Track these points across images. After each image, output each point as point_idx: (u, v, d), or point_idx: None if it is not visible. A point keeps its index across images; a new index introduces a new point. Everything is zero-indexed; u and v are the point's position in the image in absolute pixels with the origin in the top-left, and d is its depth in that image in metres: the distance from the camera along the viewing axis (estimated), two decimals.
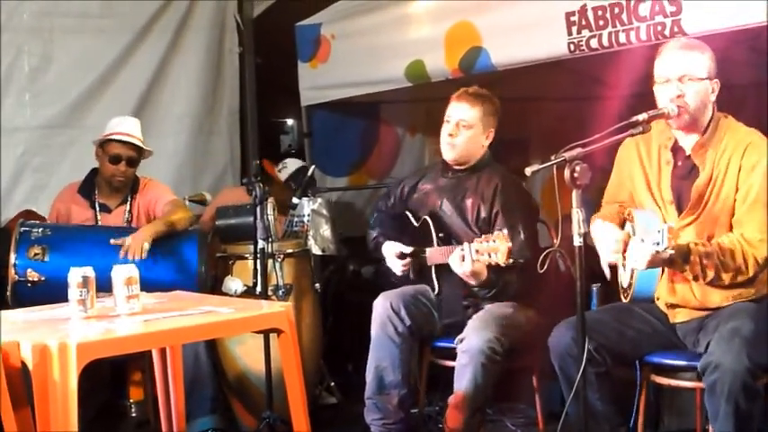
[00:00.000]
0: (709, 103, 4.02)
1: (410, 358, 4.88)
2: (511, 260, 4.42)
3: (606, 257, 4.09)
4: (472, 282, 4.61)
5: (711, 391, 3.76)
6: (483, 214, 4.82)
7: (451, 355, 4.65)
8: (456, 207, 4.92)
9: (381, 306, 4.86)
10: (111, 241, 5.03)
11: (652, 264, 3.77)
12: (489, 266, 4.54)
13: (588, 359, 3.75)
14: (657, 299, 4.18)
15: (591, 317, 3.88)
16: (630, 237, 3.93)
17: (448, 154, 4.95)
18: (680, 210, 4.07)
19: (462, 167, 4.98)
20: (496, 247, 4.33)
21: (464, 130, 4.88)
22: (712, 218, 3.99)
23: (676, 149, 4.12)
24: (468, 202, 4.89)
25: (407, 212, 5.08)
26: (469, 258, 4.46)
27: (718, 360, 3.74)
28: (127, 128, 5.54)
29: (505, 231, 4.41)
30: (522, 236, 4.73)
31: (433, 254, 4.81)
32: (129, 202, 5.56)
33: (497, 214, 4.79)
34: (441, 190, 5.04)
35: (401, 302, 4.82)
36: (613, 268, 4.14)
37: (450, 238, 4.83)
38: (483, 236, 4.49)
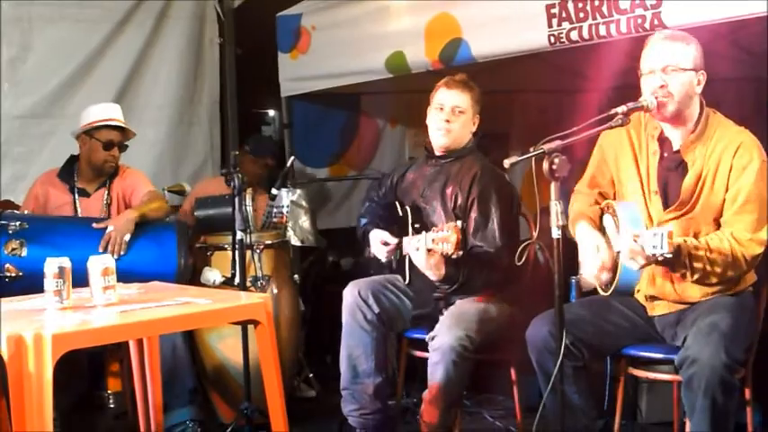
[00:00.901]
0: (695, 95, 4.00)
1: (384, 347, 4.86)
2: (460, 252, 4.42)
3: (590, 274, 4.09)
4: (432, 277, 4.60)
5: (688, 385, 3.76)
6: (460, 201, 4.81)
7: (427, 346, 4.64)
8: (438, 194, 4.91)
9: (350, 294, 4.86)
10: (94, 225, 5.05)
11: (647, 265, 3.78)
12: (448, 261, 4.54)
13: (565, 354, 3.76)
14: (638, 291, 4.18)
15: (568, 311, 3.87)
16: (617, 253, 3.92)
17: (442, 140, 4.91)
18: (665, 201, 4.06)
19: (447, 155, 4.96)
20: (447, 237, 4.31)
21: (460, 115, 4.87)
22: (699, 215, 3.99)
23: (663, 140, 4.11)
24: (449, 189, 4.88)
25: (396, 202, 5.06)
26: (423, 249, 4.46)
27: (695, 355, 3.74)
28: (114, 113, 5.58)
29: (459, 223, 4.39)
30: (494, 224, 4.72)
31: (406, 243, 4.81)
32: (108, 187, 5.57)
33: (473, 202, 4.78)
34: (425, 178, 5.03)
35: (369, 290, 4.82)
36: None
37: (425, 230, 4.82)
38: (440, 225, 4.49)
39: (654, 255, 3.62)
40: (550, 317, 3.98)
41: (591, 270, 4.03)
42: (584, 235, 4.12)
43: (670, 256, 3.64)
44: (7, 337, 3.12)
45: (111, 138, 5.49)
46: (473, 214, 4.76)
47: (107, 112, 5.57)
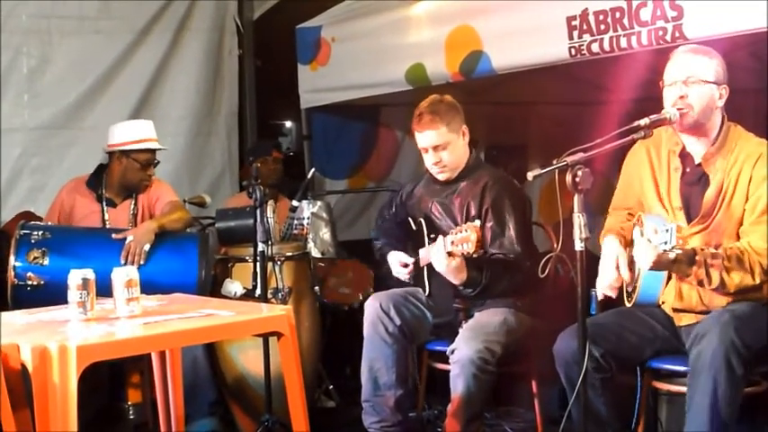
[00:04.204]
0: (715, 109, 4.01)
1: (405, 359, 4.86)
2: (481, 251, 4.42)
3: (603, 286, 4.10)
4: (454, 281, 4.58)
5: (694, 366, 3.77)
6: (473, 212, 4.78)
7: (448, 358, 4.64)
8: (445, 209, 4.90)
9: (371, 307, 4.86)
10: (114, 236, 5.08)
11: (658, 264, 3.76)
12: (469, 264, 4.52)
13: (595, 367, 3.78)
14: (663, 303, 4.18)
15: (595, 323, 3.89)
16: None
17: (442, 176, 4.90)
18: (688, 216, 4.07)
19: (452, 178, 4.94)
20: (467, 237, 4.30)
21: (442, 151, 4.81)
22: (721, 227, 3.99)
23: (684, 155, 4.12)
24: (457, 202, 4.86)
25: (409, 218, 5.06)
26: (443, 252, 4.45)
27: (704, 330, 3.78)
28: (150, 132, 5.62)
29: (477, 222, 4.38)
30: (511, 231, 4.71)
31: (424, 255, 4.80)
32: (135, 197, 5.60)
33: (487, 211, 4.76)
34: (432, 194, 5.01)
35: (390, 303, 4.82)
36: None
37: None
38: (456, 227, 4.47)
39: (665, 251, 3.63)
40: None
41: (604, 281, 4.06)
42: (606, 247, 4.14)
43: (680, 251, 3.68)
44: (32, 348, 3.13)
45: (148, 157, 5.54)
46: (489, 223, 4.75)
47: (144, 131, 5.59)
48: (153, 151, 5.57)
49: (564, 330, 4.17)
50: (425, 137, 4.81)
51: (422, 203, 5.04)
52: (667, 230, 3.59)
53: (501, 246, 4.71)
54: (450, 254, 4.43)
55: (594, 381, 3.80)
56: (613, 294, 4.08)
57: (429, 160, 4.87)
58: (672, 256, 3.67)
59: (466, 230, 4.33)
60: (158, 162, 5.62)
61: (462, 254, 4.39)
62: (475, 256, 4.42)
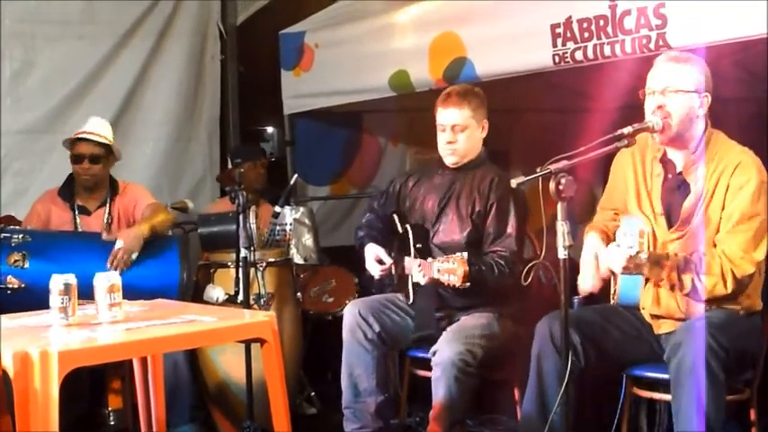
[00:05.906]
0: (695, 117, 4.01)
1: (385, 365, 4.87)
2: (467, 284, 4.37)
3: (582, 284, 4.12)
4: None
5: (676, 378, 3.79)
6: (478, 207, 4.79)
7: (430, 365, 4.63)
8: (451, 202, 4.89)
9: (350, 313, 4.86)
10: (104, 236, 5.09)
11: (628, 268, 3.82)
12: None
13: (572, 352, 3.77)
14: (642, 308, 4.20)
15: (577, 313, 3.91)
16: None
17: (450, 159, 4.89)
18: (669, 222, 4.10)
19: (459, 165, 4.93)
20: (454, 269, 4.30)
21: (460, 132, 4.83)
22: (698, 234, 4.01)
23: (666, 162, 4.15)
24: (464, 195, 4.86)
25: (395, 215, 5.03)
26: (423, 278, 4.52)
27: (680, 339, 3.81)
28: (89, 127, 5.54)
29: (465, 255, 4.36)
30: (512, 231, 4.72)
31: (408, 265, 4.79)
32: (108, 205, 5.55)
33: (492, 206, 4.76)
34: (435, 188, 4.99)
35: (369, 309, 4.82)
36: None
37: (428, 250, 4.80)
38: (446, 256, 4.45)
39: (630, 256, 3.69)
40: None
41: (582, 277, 4.12)
42: (587, 242, 4.20)
43: (645, 257, 3.74)
44: (13, 353, 3.10)
45: (79, 151, 5.46)
46: (491, 220, 4.77)
47: (86, 126, 5.53)
48: (92, 145, 5.45)
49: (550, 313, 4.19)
50: (448, 113, 4.83)
51: (420, 199, 5.02)
52: (632, 235, 3.63)
53: (501, 244, 4.72)
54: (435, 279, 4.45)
55: (561, 367, 3.76)
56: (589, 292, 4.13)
57: (443, 139, 4.87)
58: (639, 260, 3.72)
59: (453, 262, 4.32)
60: (101, 158, 5.48)
61: (447, 284, 4.39)
62: (461, 288, 4.40)
